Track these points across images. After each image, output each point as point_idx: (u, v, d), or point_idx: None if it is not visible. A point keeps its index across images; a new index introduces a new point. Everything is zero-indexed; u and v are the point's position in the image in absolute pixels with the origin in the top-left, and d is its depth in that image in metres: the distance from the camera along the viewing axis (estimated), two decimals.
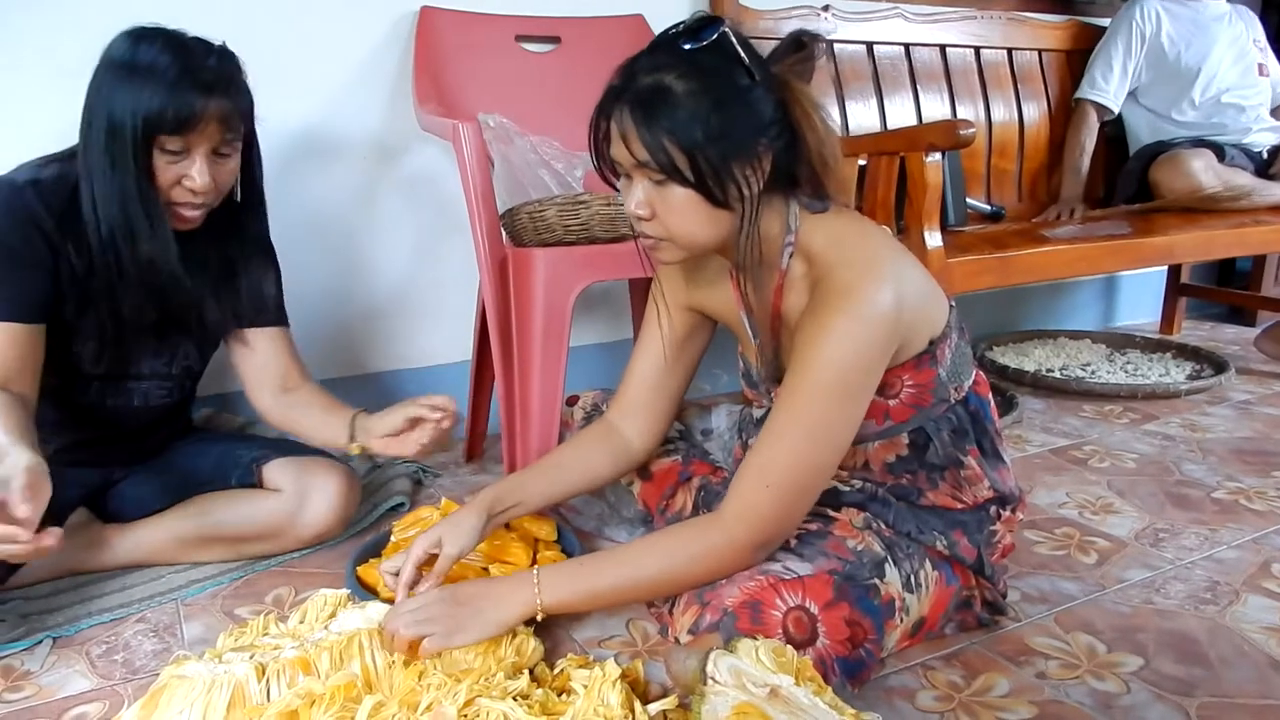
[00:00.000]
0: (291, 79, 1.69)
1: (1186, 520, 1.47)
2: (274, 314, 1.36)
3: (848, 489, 1.12)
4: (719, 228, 0.97)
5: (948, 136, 1.49)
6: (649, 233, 0.99)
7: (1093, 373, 2.38)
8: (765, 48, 0.98)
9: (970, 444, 1.09)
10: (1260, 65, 2.47)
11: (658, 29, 0.98)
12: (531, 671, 0.99)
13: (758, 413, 1.22)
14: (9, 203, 1.12)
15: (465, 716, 0.87)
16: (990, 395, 1.13)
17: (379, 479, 1.66)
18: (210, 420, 1.65)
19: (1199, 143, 2.35)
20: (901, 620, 1.03)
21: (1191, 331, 2.95)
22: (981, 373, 1.13)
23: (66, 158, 1.16)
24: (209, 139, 1.12)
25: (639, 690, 0.97)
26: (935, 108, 2.27)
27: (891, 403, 1.04)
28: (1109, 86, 2.42)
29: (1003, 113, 2.39)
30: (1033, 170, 2.46)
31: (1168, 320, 2.92)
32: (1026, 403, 2.13)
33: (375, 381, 1.91)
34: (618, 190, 1.01)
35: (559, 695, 0.94)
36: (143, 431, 1.37)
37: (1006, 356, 2.50)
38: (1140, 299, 3.07)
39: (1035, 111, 2.46)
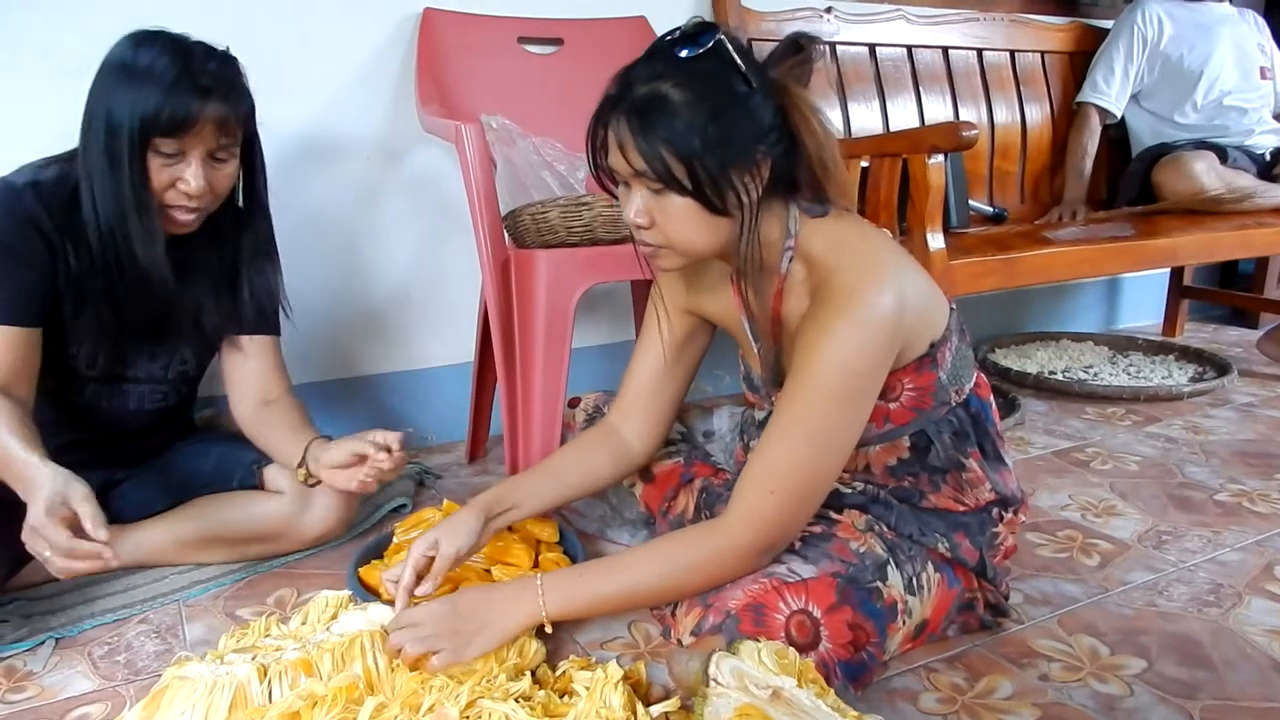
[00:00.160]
0: (294, 80, 1.69)
1: (1189, 523, 1.47)
2: (270, 322, 1.35)
3: (849, 491, 1.12)
4: (718, 235, 0.97)
5: (950, 138, 1.49)
6: (648, 240, 0.99)
7: (1095, 375, 2.37)
8: (767, 49, 0.98)
9: (972, 446, 1.08)
10: (1263, 68, 2.47)
11: (660, 30, 0.98)
12: (533, 673, 0.99)
13: (759, 415, 1.22)
14: (8, 204, 1.12)
15: (467, 718, 0.88)
16: (991, 397, 1.13)
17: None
18: (212, 421, 1.65)
19: (1201, 145, 2.35)
20: (904, 623, 1.03)
21: (1194, 334, 2.94)
22: (983, 375, 1.13)
23: (67, 159, 1.16)
24: (204, 142, 1.11)
25: (641, 692, 0.97)
26: (938, 110, 2.27)
27: (892, 406, 1.04)
28: (1111, 90, 2.42)
29: (1005, 115, 2.39)
30: (1035, 172, 2.46)
31: (1170, 322, 2.92)
32: (1029, 405, 2.13)
33: (377, 383, 1.91)
34: (616, 197, 1.01)
35: (561, 697, 0.94)
36: (141, 433, 1.37)
37: (1009, 358, 2.50)
38: (1143, 301, 3.07)
39: (1038, 113, 2.46)
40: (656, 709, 0.90)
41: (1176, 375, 2.37)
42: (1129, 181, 2.44)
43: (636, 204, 0.96)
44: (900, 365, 1.01)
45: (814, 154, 0.95)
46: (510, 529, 1.25)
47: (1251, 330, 2.94)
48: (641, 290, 1.91)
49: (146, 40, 1.10)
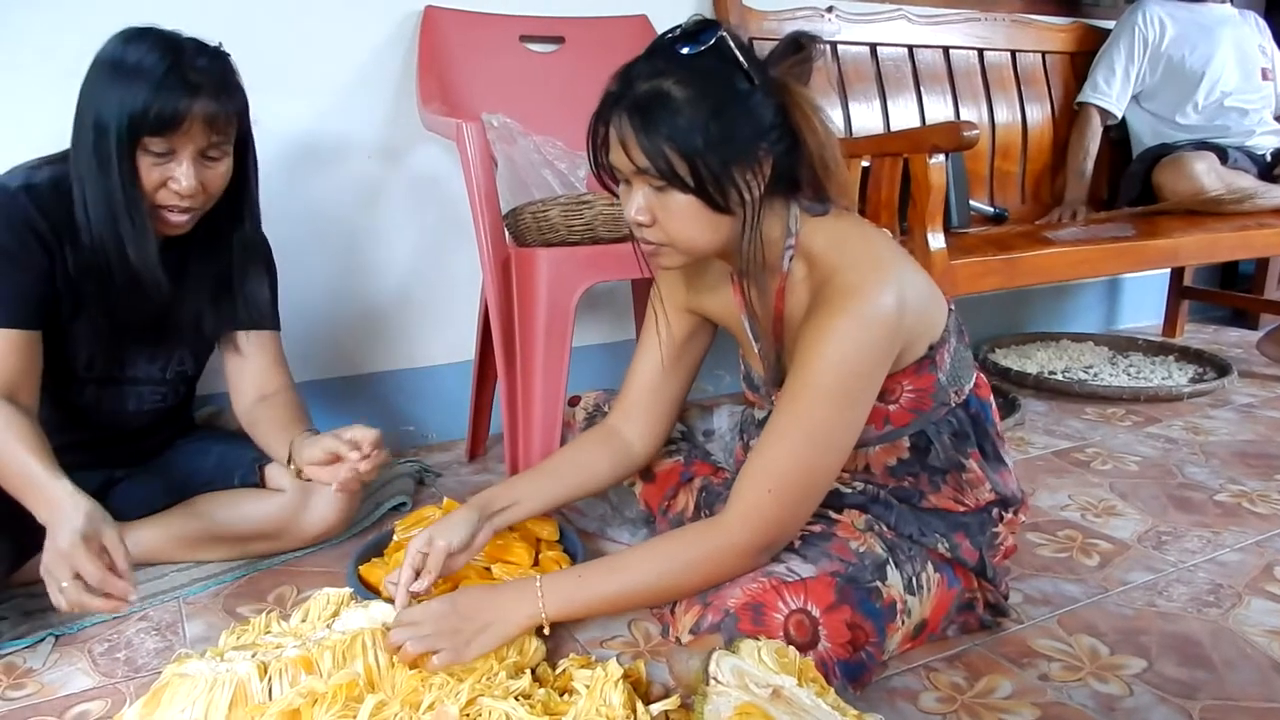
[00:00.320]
0: (295, 79, 1.69)
1: (1189, 523, 1.47)
2: (267, 319, 1.34)
3: (849, 491, 1.12)
4: (720, 233, 0.97)
5: (951, 138, 1.49)
6: (649, 238, 0.98)
7: (1095, 375, 2.37)
8: (768, 49, 0.98)
9: (971, 447, 1.08)
10: (1264, 70, 2.47)
11: (661, 29, 0.98)
12: (534, 671, 0.99)
13: (760, 414, 1.22)
14: (3, 207, 1.11)
15: (468, 716, 0.88)
16: (991, 398, 1.13)
17: (381, 479, 1.66)
18: (212, 419, 1.65)
19: (1202, 145, 2.35)
20: (903, 623, 1.03)
21: (1194, 334, 2.94)
22: (982, 375, 1.13)
23: (60, 160, 1.15)
24: (195, 141, 1.09)
25: (641, 690, 0.97)
26: (939, 109, 2.27)
27: (891, 408, 1.04)
28: (1111, 90, 2.42)
29: (1006, 115, 2.39)
30: (1036, 172, 2.46)
31: (1170, 323, 2.92)
32: (1029, 405, 2.13)
33: (378, 381, 1.91)
34: (617, 195, 1.01)
35: (561, 695, 0.94)
36: (141, 433, 1.36)
37: (1009, 359, 2.50)
38: (1143, 302, 3.07)
39: (1039, 114, 2.45)
40: (656, 707, 0.90)
41: (1177, 376, 2.37)
42: (1130, 182, 2.44)
43: (638, 202, 0.95)
44: (899, 367, 1.01)
45: (815, 152, 0.95)
46: (510, 528, 1.26)
47: (1252, 331, 2.94)
48: (642, 289, 1.91)
49: (136, 37, 1.08)
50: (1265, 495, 1.58)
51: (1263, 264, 2.91)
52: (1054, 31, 2.50)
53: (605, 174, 1.00)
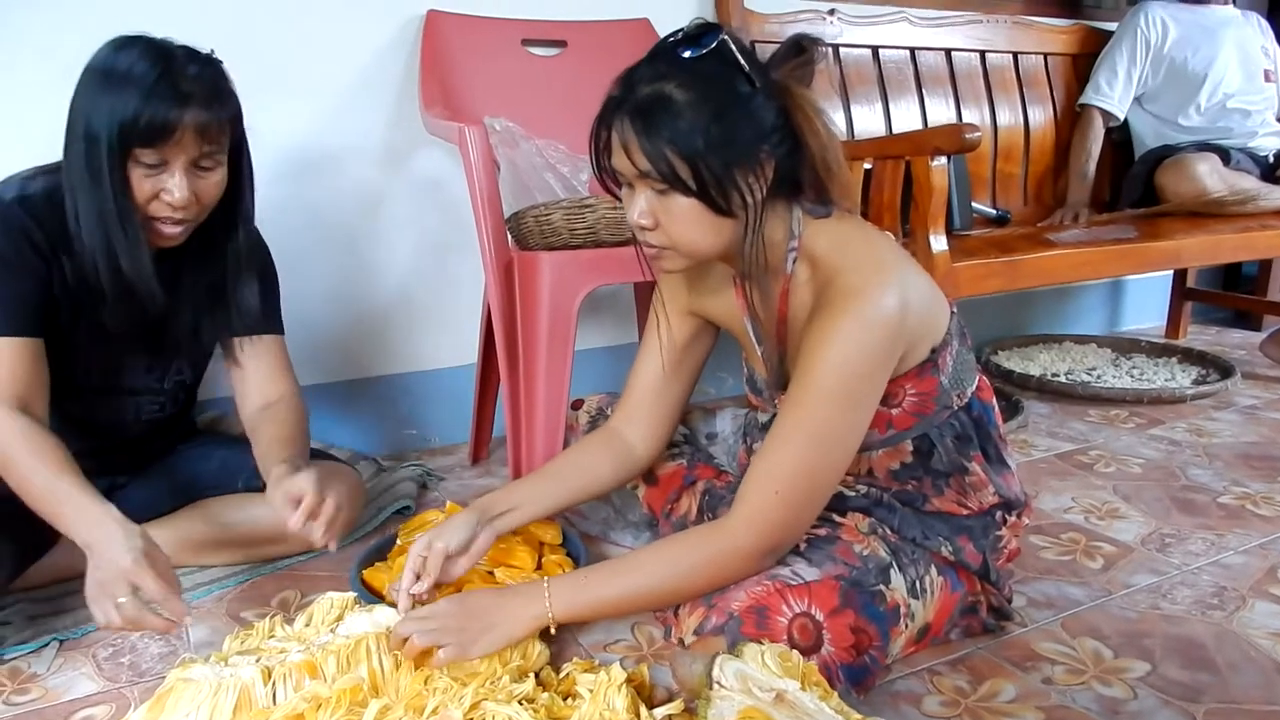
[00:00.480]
0: (298, 83, 1.69)
1: (1193, 525, 1.47)
2: (263, 324, 1.31)
3: (853, 494, 1.12)
4: (722, 236, 0.97)
5: (953, 140, 1.49)
6: (652, 242, 0.99)
7: (1098, 377, 2.37)
8: (770, 52, 0.98)
9: (974, 450, 1.08)
10: (1267, 71, 2.46)
11: (663, 32, 0.98)
12: (537, 675, 0.99)
13: (763, 417, 1.22)
14: (1, 218, 1.10)
15: None
16: (994, 401, 1.13)
17: (384, 483, 1.66)
18: (215, 424, 1.65)
19: (1204, 147, 2.35)
20: (906, 626, 1.03)
21: (1197, 336, 2.94)
22: (985, 378, 1.13)
23: (54, 170, 1.12)
24: (187, 151, 1.06)
25: (644, 694, 0.97)
26: (940, 112, 2.26)
27: (894, 411, 1.04)
28: (1114, 93, 2.42)
29: (1008, 117, 2.39)
30: (1038, 174, 2.46)
31: (1173, 325, 2.92)
32: (1032, 407, 2.12)
33: (381, 385, 1.91)
34: (619, 199, 1.01)
35: (564, 699, 0.94)
36: (141, 441, 1.36)
37: (1012, 361, 2.50)
38: (1146, 303, 3.06)
39: (1041, 116, 2.45)
40: (660, 711, 0.90)
41: (1180, 378, 2.37)
42: (1132, 184, 2.44)
43: (640, 205, 0.96)
44: (902, 371, 1.01)
45: (817, 154, 0.95)
46: (513, 532, 1.26)
47: (1255, 332, 2.93)
48: (645, 292, 1.91)
49: (127, 45, 1.05)
50: (1269, 497, 1.57)
51: (1266, 265, 2.90)
52: (1056, 33, 2.50)
53: (608, 178, 1.00)
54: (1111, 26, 2.52)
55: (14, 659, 1.12)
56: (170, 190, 1.07)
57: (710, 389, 2.25)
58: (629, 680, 0.94)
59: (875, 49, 2.19)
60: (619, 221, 1.47)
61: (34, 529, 1.11)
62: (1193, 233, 2.00)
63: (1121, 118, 2.45)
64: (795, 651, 0.89)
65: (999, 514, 1.11)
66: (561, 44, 1.87)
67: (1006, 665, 1.07)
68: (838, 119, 2.11)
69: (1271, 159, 2.41)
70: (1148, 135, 2.48)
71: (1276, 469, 1.71)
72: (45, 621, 1.19)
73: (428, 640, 0.95)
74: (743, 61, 0.92)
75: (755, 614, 0.95)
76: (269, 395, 1.30)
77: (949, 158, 1.54)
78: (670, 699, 0.93)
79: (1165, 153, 2.37)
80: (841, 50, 2.13)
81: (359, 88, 1.76)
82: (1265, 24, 2.54)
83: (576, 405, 1.48)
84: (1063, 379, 2.31)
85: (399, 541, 1.31)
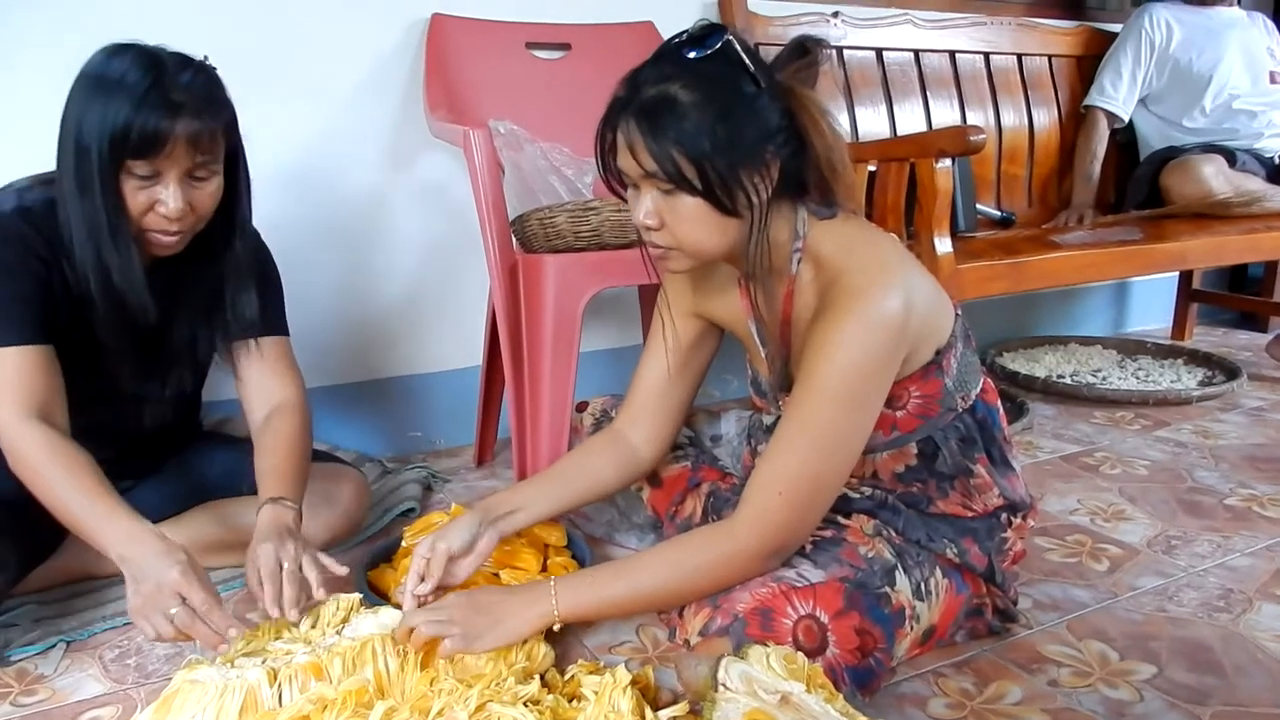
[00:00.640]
0: (303, 86, 1.70)
1: (1199, 527, 1.46)
2: (264, 327, 1.28)
3: (858, 496, 1.11)
4: (728, 236, 0.97)
5: (958, 142, 1.49)
6: (658, 242, 0.99)
7: (1104, 379, 2.37)
8: (775, 54, 0.98)
9: (979, 452, 1.08)
10: (1272, 73, 2.45)
11: (667, 35, 0.98)
12: (542, 677, 0.99)
13: (767, 420, 1.22)
14: (1, 230, 1.08)
15: None
16: (999, 403, 1.13)
17: (389, 485, 1.66)
18: (221, 427, 1.65)
19: (1210, 148, 2.34)
20: (912, 628, 1.03)
21: (1203, 337, 2.93)
22: (989, 380, 1.13)
23: (51, 179, 1.10)
24: (180, 163, 1.03)
25: (649, 696, 0.97)
26: (945, 114, 2.26)
27: (899, 414, 1.04)
28: (1118, 94, 2.41)
29: (1013, 118, 2.39)
30: (1043, 176, 2.46)
31: (1179, 326, 2.91)
32: (1037, 409, 2.12)
33: (386, 387, 1.91)
34: (625, 200, 1.02)
35: (569, 701, 0.94)
36: (146, 445, 1.35)
37: (1017, 362, 2.50)
38: (1151, 305, 3.06)
39: (1045, 117, 2.45)
40: (665, 713, 0.90)
41: (1185, 379, 2.36)
42: (1137, 185, 2.44)
43: (646, 205, 0.96)
44: (906, 373, 1.01)
45: (822, 155, 0.95)
46: (518, 533, 1.26)
47: (1261, 334, 2.92)
48: (649, 295, 1.92)
49: (119, 52, 1.03)
50: (1276, 499, 1.57)
51: (1271, 267, 2.90)
52: (1060, 35, 2.50)
53: (613, 179, 1.00)
54: (1116, 28, 2.52)
55: (21, 660, 1.12)
56: (165, 202, 1.05)
57: (715, 391, 2.25)
58: (634, 682, 0.94)
59: (879, 51, 2.19)
60: (623, 224, 1.47)
61: (40, 531, 1.11)
62: (1198, 234, 2.00)
63: (1126, 119, 2.45)
64: (800, 653, 0.89)
65: (1004, 516, 1.11)
66: (565, 47, 1.87)
67: (1012, 667, 1.07)
68: (842, 121, 2.09)
69: (1277, 160, 2.40)
70: (1153, 137, 2.48)
71: None
72: (52, 623, 1.20)
73: (434, 631, 0.95)
74: (748, 62, 0.92)
75: (760, 616, 0.95)
76: (274, 399, 1.28)
77: (953, 160, 1.54)
78: (675, 701, 0.93)
79: (1170, 154, 2.37)
80: (845, 52, 2.14)
81: (364, 91, 1.76)
82: (1271, 25, 2.53)
83: (581, 407, 1.48)
84: (1068, 381, 2.31)
85: (404, 543, 1.31)
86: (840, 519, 1.09)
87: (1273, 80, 2.45)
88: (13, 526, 1.13)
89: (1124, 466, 1.75)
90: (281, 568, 1.04)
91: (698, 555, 0.99)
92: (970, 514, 1.10)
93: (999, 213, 2.27)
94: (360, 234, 1.82)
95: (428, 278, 1.90)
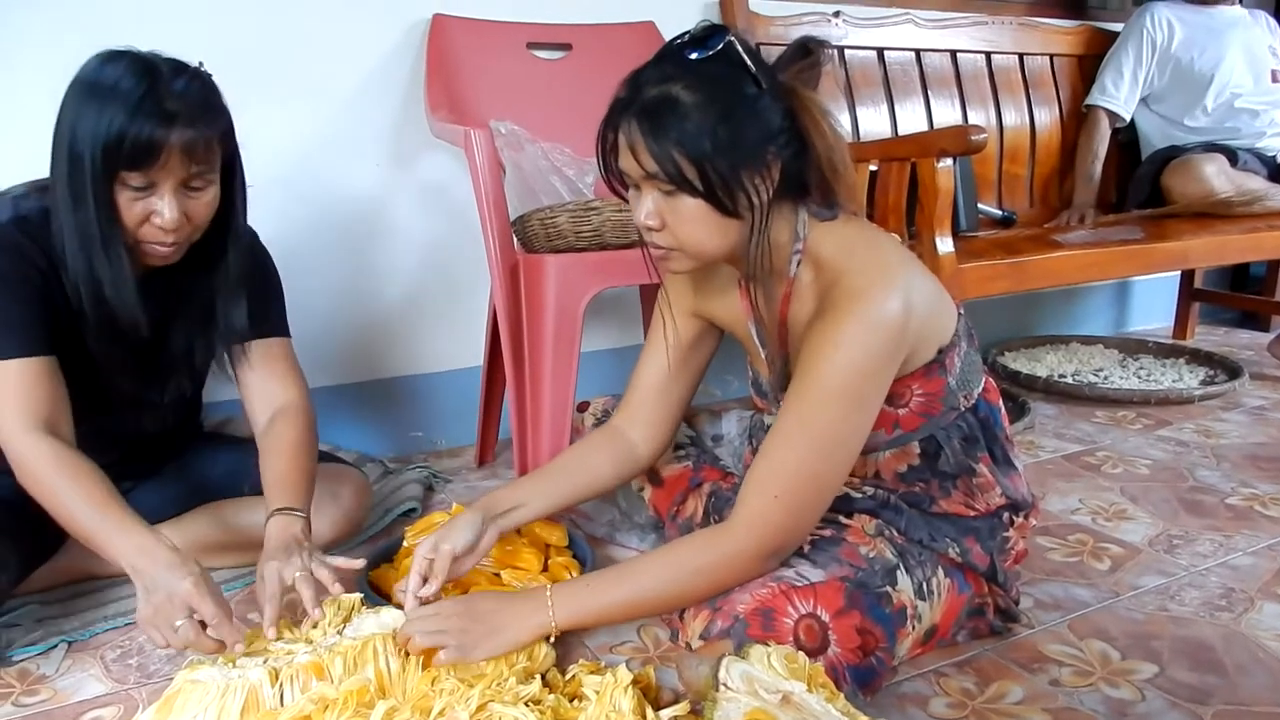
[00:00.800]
0: (304, 86, 1.70)
1: (1201, 527, 1.46)
2: (264, 329, 1.27)
3: (859, 496, 1.11)
4: (729, 237, 0.97)
5: (959, 142, 1.49)
6: (659, 243, 0.99)
7: (1105, 378, 2.37)
8: (776, 54, 0.98)
9: (981, 451, 1.08)
10: (1274, 72, 2.45)
11: (668, 35, 0.98)
12: (543, 677, 0.99)
13: (768, 420, 1.22)
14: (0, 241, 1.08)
15: None
16: (1001, 402, 1.13)
17: (391, 485, 1.66)
18: (223, 427, 1.65)
19: (1211, 147, 2.34)
20: (913, 628, 1.03)
21: (1205, 337, 2.93)
22: (991, 379, 1.13)
23: (45, 186, 1.09)
24: (175, 173, 1.01)
25: (650, 696, 0.97)
26: (946, 113, 2.26)
27: (901, 412, 1.04)
28: (1120, 93, 2.41)
29: (1014, 118, 2.39)
30: (1044, 175, 2.46)
31: (1181, 325, 2.91)
32: (1039, 408, 2.12)
33: (387, 387, 1.92)
34: (626, 200, 1.02)
35: (571, 701, 0.94)
36: (146, 449, 1.35)
37: (1018, 362, 2.49)
38: (1153, 304, 3.06)
39: (1047, 117, 2.45)
40: (666, 713, 0.90)
41: (1187, 378, 2.36)
42: (1138, 184, 2.44)
43: (647, 206, 0.96)
44: (908, 371, 1.01)
45: (824, 156, 0.95)
46: (519, 533, 1.26)
47: (1263, 333, 2.92)
48: (650, 294, 1.92)
49: (113, 59, 1.01)
50: (1277, 498, 1.57)
51: (1273, 266, 2.90)
52: (1061, 34, 2.50)
53: (615, 179, 1.00)
54: (1117, 27, 2.52)
55: (23, 660, 1.12)
56: (160, 213, 1.03)
57: (716, 391, 2.25)
58: (635, 682, 0.94)
59: (880, 51, 2.19)
60: (624, 224, 1.47)
61: (42, 531, 1.11)
62: (1200, 233, 2.00)
63: (1128, 119, 2.45)
64: (801, 653, 0.89)
65: (1006, 515, 1.11)
66: (567, 47, 1.88)
67: (1013, 667, 1.07)
68: (843, 121, 2.10)
69: (1279, 159, 2.40)
70: (1154, 136, 2.48)
71: None
72: (53, 623, 1.20)
73: (430, 641, 0.95)
74: (749, 63, 0.92)
75: (761, 616, 0.94)
76: (276, 402, 1.27)
77: (955, 159, 1.54)
78: (676, 701, 0.93)
79: (1172, 153, 2.37)
80: (847, 52, 2.14)
81: (365, 91, 1.77)
82: (1273, 23, 2.53)
83: (582, 408, 1.48)
84: (1070, 380, 2.31)
85: (405, 543, 1.31)
86: (842, 519, 1.09)
87: (1274, 79, 2.45)
88: (14, 527, 1.13)
89: (1126, 466, 1.75)
90: (287, 586, 1.05)
91: (695, 559, 0.99)
92: (972, 513, 1.10)
93: (1000, 212, 2.27)
94: (361, 234, 1.82)
95: (429, 278, 1.90)
